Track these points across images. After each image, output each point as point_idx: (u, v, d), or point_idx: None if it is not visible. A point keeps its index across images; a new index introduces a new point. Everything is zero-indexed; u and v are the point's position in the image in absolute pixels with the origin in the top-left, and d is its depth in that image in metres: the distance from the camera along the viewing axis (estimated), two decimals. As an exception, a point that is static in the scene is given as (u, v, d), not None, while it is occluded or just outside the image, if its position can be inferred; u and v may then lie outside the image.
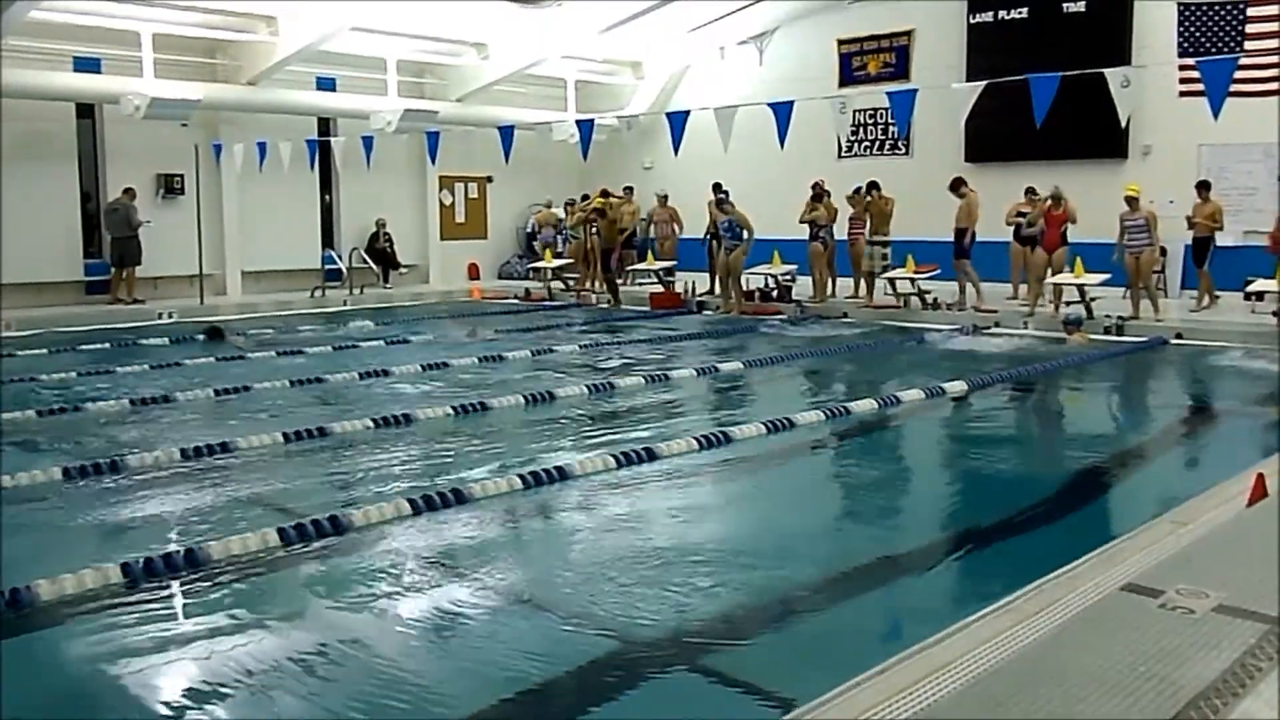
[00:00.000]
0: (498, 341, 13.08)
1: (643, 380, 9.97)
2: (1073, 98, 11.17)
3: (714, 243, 16.78)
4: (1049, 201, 14.11)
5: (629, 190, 19.47)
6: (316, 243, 19.54)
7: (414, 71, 20.14)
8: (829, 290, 16.39)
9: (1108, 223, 13.85)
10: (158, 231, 16.87)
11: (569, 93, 21.68)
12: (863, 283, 16.00)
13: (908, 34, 18.82)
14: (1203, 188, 14.10)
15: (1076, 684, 2.72)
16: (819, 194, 16.32)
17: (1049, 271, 14.04)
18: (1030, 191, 14.85)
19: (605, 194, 18.60)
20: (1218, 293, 14.36)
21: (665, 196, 19.11)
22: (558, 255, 19.34)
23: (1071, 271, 13.64)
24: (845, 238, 16.08)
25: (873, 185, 15.92)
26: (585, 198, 19.65)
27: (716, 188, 16.99)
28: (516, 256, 22.32)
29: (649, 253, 18.47)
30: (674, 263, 18.08)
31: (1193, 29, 14.99)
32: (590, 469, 6.57)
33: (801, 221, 16.24)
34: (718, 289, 16.96)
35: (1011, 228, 14.91)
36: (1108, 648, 2.95)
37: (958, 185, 15.29)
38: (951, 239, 15.02)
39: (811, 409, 8.46)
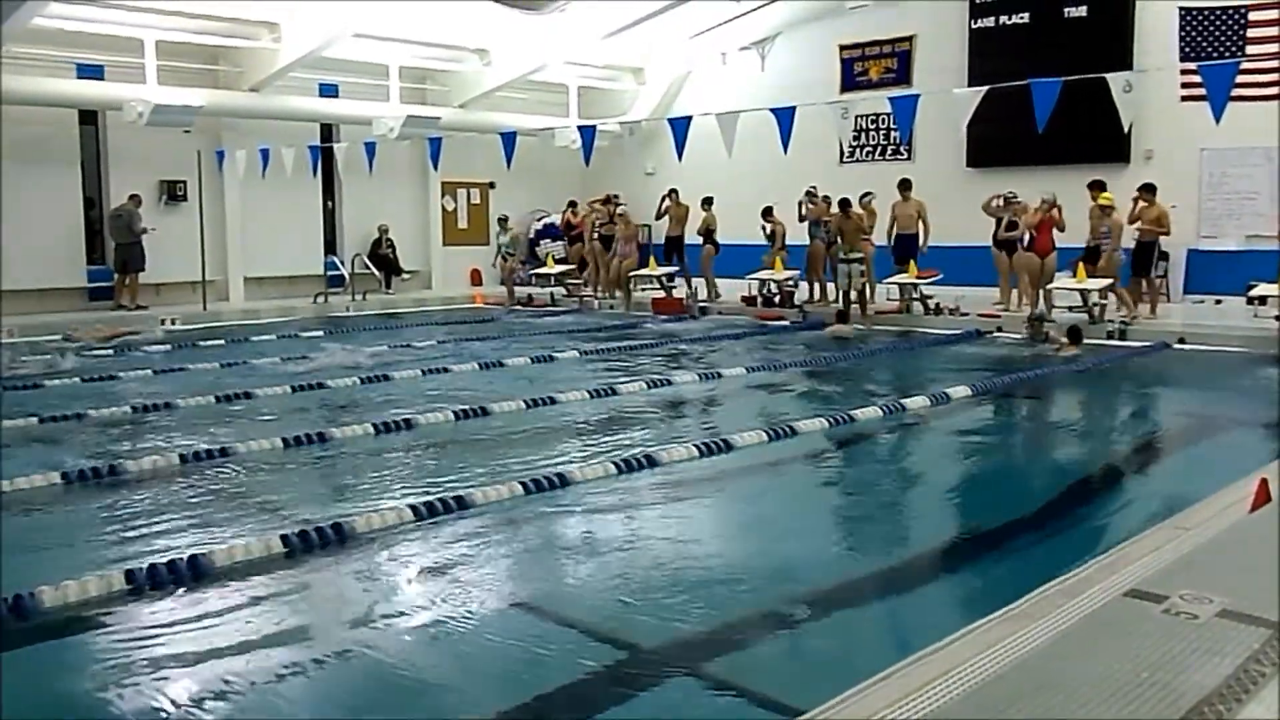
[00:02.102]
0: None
1: (644, 384, 9.98)
2: (1074, 102, 11.17)
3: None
4: (1042, 206, 14.13)
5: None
6: (319, 249, 19.59)
7: (416, 78, 20.18)
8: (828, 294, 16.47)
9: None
10: (160, 237, 16.90)
11: (571, 98, 21.70)
12: (849, 298, 15.38)
13: (909, 39, 18.83)
14: (1147, 190, 13.88)
15: (1079, 690, 2.71)
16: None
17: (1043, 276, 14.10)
18: (1012, 197, 14.85)
19: (608, 200, 18.61)
20: (1219, 298, 14.38)
21: (618, 205, 18.61)
22: (559, 261, 19.39)
23: (1074, 277, 13.65)
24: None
25: (843, 203, 15.57)
26: (572, 204, 19.79)
27: (673, 194, 17.65)
28: (519, 262, 22.31)
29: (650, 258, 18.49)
30: (676, 269, 18.05)
31: (1194, 33, 14.99)
32: (591, 475, 6.56)
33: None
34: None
35: (990, 233, 14.91)
36: (1110, 654, 2.94)
37: (904, 186, 15.48)
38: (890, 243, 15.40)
39: (813, 415, 8.46)
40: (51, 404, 9.01)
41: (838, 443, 8.02)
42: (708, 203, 17.40)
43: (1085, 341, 12.34)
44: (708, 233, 17.29)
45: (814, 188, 16.80)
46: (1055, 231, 14.13)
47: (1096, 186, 14.01)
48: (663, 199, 18.06)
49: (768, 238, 16.76)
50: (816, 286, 16.71)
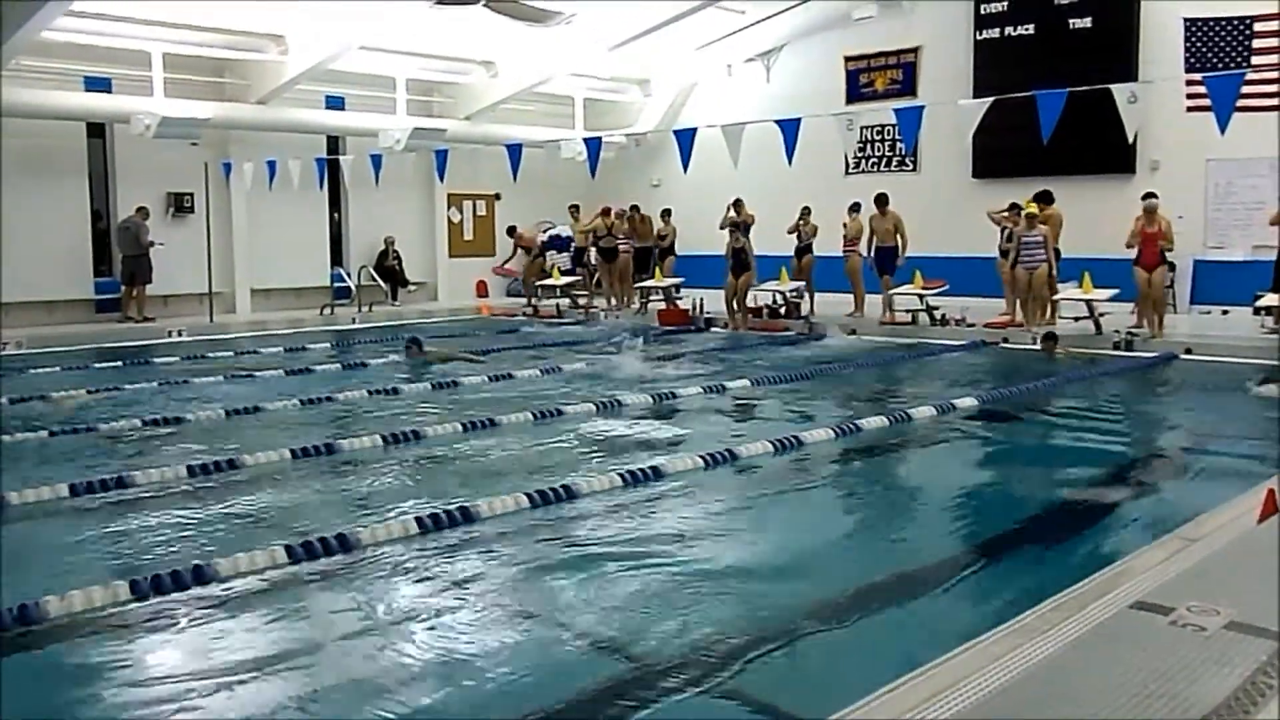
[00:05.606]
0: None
1: (650, 399, 9.98)
2: (1080, 113, 11.19)
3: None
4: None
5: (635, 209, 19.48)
6: (325, 261, 19.65)
7: (422, 90, 20.26)
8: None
9: (1116, 239, 13.81)
10: (168, 250, 16.96)
11: (577, 110, 21.77)
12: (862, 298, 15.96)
13: (915, 51, 18.87)
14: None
15: (1087, 702, 2.70)
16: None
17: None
18: (1014, 207, 14.83)
19: (606, 212, 18.66)
20: (1226, 308, 14.35)
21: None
22: (565, 273, 19.42)
23: (1079, 287, 13.63)
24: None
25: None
26: (511, 230, 20.08)
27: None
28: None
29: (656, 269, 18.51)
30: (681, 280, 18.08)
31: (1199, 44, 14.99)
32: (597, 487, 6.55)
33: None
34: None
35: (997, 245, 14.90)
36: (1118, 665, 2.94)
37: (881, 202, 15.52)
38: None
39: (819, 426, 8.45)
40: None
41: (842, 453, 7.99)
42: (666, 214, 18.21)
43: (1090, 351, 12.57)
44: (669, 245, 17.97)
45: (739, 200, 16.85)
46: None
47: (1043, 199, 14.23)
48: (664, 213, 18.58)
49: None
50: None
